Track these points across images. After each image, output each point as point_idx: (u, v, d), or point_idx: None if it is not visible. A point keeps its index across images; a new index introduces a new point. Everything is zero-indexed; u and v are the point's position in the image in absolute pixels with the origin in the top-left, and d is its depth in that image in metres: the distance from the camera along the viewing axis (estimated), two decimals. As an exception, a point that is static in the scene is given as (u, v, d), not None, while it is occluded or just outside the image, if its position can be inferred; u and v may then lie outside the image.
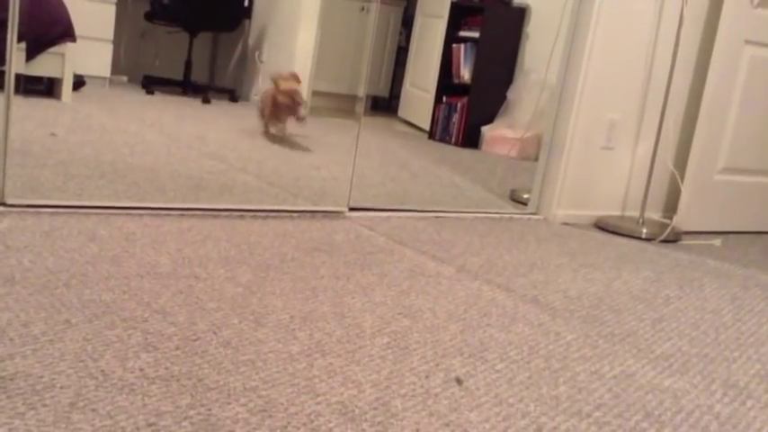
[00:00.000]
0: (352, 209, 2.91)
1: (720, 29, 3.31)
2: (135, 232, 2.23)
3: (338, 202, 2.92)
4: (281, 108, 4.09)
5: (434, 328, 1.78)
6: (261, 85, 5.72)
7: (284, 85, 4.04)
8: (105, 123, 4.00)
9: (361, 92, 5.43)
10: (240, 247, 2.24)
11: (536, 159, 4.18)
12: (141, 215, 2.43)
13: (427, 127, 5.54)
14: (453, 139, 5.32)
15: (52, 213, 2.28)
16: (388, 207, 3.04)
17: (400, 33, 6.50)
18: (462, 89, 5.35)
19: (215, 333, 1.56)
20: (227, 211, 2.62)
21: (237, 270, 2.01)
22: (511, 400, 1.44)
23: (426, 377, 1.49)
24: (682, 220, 3.37)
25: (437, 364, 1.56)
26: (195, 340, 1.51)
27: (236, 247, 2.23)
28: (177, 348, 1.46)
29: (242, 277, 1.96)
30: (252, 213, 2.66)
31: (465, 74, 5.36)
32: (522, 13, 5.34)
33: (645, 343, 1.89)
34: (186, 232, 2.31)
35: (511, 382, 1.53)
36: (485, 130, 5.25)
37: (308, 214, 2.78)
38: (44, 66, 4.25)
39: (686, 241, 3.24)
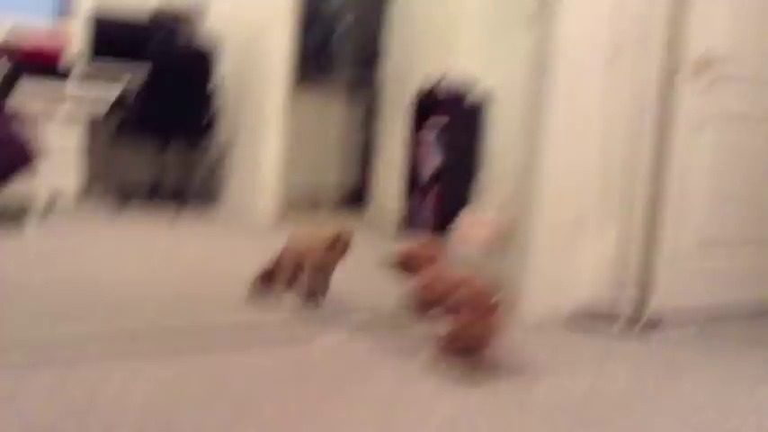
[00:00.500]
0: (318, 333, 2.85)
1: (678, 109, 3.32)
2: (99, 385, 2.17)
3: (308, 327, 2.87)
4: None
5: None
6: (232, 189, 5.72)
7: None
8: (76, 247, 3.93)
9: (332, 186, 5.44)
10: (209, 385, 2.18)
11: (508, 246, 4.18)
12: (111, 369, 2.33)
13: (399, 218, 5.55)
14: (426, 229, 5.32)
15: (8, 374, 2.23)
16: (358, 328, 2.98)
17: (369, 124, 6.56)
18: (432, 179, 5.38)
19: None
20: (193, 348, 2.55)
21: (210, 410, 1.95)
22: None
23: None
24: (656, 306, 3.35)
25: None
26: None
27: (207, 384, 2.17)
28: None
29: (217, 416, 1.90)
30: (218, 347, 2.60)
31: (434, 164, 5.40)
32: (484, 103, 5.42)
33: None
34: (160, 380, 2.25)
35: None
36: (457, 219, 5.27)
37: (277, 342, 2.71)
38: (8, 195, 4.20)
39: (664, 328, 3.22)
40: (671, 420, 2.13)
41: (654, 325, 3.21)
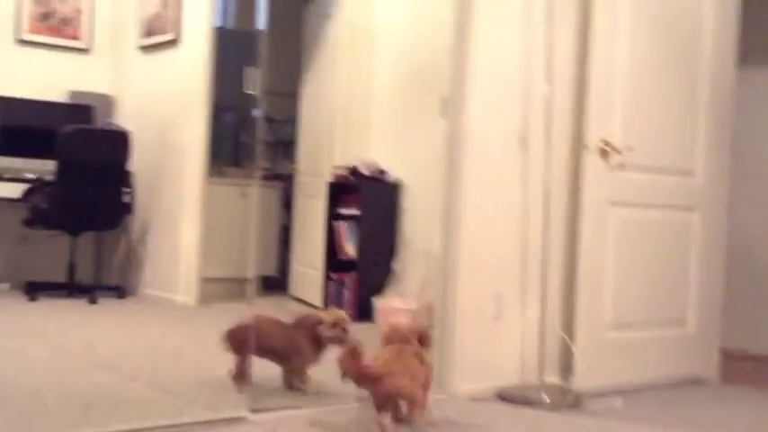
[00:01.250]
0: (254, 410, 2.80)
1: (584, 194, 3.45)
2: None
3: (239, 405, 2.81)
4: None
5: None
6: (149, 277, 5.59)
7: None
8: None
9: (251, 274, 5.38)
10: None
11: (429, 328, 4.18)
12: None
13: (320, 303, 5.51)
14: (347, 315, 5.29)
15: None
16: (293, 404, 2.94)
17: (282, 213, 6.56)
18: (350, 265, 5.39)
19: None
20: (119, 433, 2.47)
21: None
22: None
23: None
24: (579, 382, 3.40)
25: None
26: None
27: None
28: None
29: None
30: (147, 431, 2.51)
31: (350, 249, 5.43)
32: (396, 188, 5.51)
33: None
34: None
35: None
36: (376, 302, 5.27)
37: (208, 424, 2.65)
38: None
39: (588, 404, 3.25)
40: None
41: (578, 401, 3.25)
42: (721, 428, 2.99)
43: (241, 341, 3.05)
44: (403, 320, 2.85)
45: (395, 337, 2.75)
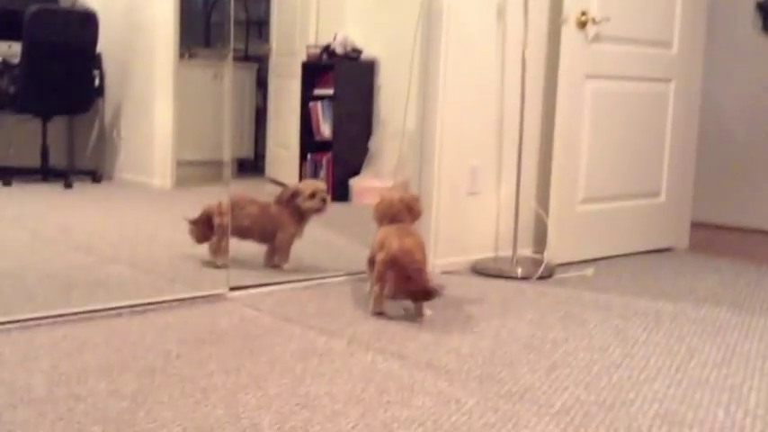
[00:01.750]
0: (233, 288, 2.84)
1: (561, 67, 3.44)
2: (2, 352, 2.09)
3: (218, 284, 2.84)
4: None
5: (334, 416, 1.74)
6: (123, 160, 5.55)
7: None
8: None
9: (226, 156, 5.34)
10: (121, 351, 2.13)
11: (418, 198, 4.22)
12: (9, 330, 2.28)
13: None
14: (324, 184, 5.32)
15: None
16: (270, 281, 2.98)
17: (257, 94, 6.47)
18: (325, 145, 5.37)
19: (105, 464, 1.47)
20: (102, 311, 2.50)
21: (120, 380, 1.91)
22: (423, 489, 1.42)
23: (335, 477, 1.45)
24: (552, 254, 3.47)
25: (344, 460, 1.52)
26: (85, 476, 1.42)
27: (117, 352, 2.12)
28: (66, 491, 1.36)
29: (126, 388, 1.86)
30: (129, 309, 2.55)
31: (325, 130, 5.39)
32: (371, 67, 5.43)
33: (543, 397, 1.91)
34: (61, 342, 2.18)
35: (420, 466, 1.51)
36: (352, 182, 5.28)
37: (188, 301, 2.69)
38: None
39: (560, 275, 3.33)
40: (577, 362, 2.22)
41: (551, 272, 3.32)
42: (686, 294, 3.08)
43: (207, 228, 3.09)
44: (393, 192, 2.82)
45: (387, 211, 2.76)
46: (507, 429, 1.70)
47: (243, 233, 3.12)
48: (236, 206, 3.09)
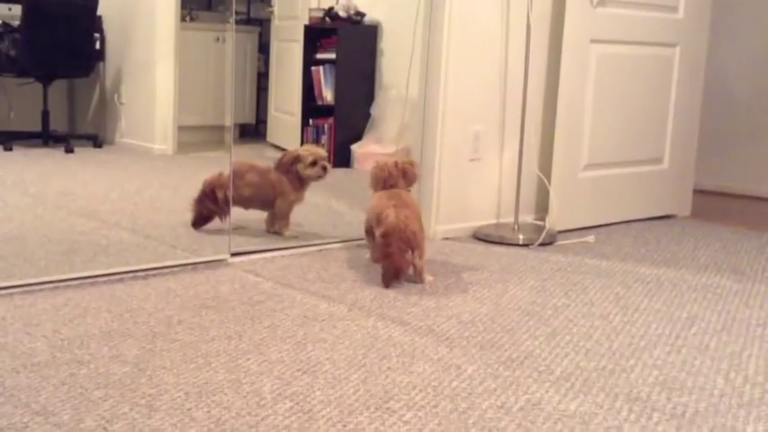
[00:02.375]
0: (234, 254, 2.84)
1: (566, 32, 3.41)
2: (5, 317, 2.09)
3: (219, 249, 2.85)
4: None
5: (336, 382, 1.75)
6: (124, 125, 5.53)
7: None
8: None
9: (228, 121, 5.33)
10: (123, 316, 2.14)
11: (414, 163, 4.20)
12: (11, 294, 2.29)
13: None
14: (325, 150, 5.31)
15: None
16: (271, 247, 2.99)
17: (258, 59, 6.43)
18: (327, 110, 5.35)
19: (105, 429, 1.48)
20: (104, 276, 2.51)
21: (122, 345, 1.92)
22: (423, 455, 1.43)
23: (335, 442, 1.46)
24: (554, 221, 3.47)
25: (344, 426, 1.53)
26: (87, 441, 1.43)
27: (119, 318, 2.13)
28: (68, 455, 1.38)
29: (128, 353, 1.87)
30: (131, 274, 2.55)
31: (327, 95, 5.36)
32: (374, 31, 5.39)
33: (543, 363, 1.92)
34: (62, 308, 2.19)
35: (420, 432, 1.52)
36: (354, 148, 5.26)
37: (190, 267, 2.70)
38: None
39: (562, 241, 3.33)
40: (578, 329, 2.23)
41: (553, 239, 3.32)
42: (687, 261, 3.07)
43: (212, 201, 3.08)
44: (389, 158, 2.79)
45: (381, 176, 2.75)
46: (507, 395, 1.71)
47: (244, 203, 3.11)
48: (236, 175, 3.07)
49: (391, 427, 1.53)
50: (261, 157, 5.59)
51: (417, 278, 2.58)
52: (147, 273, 2.57)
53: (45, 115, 5.22)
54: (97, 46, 5.33)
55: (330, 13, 5.32)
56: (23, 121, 5.32)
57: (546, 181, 3.52)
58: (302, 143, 5.43)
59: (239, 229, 3.06)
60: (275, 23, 6.03)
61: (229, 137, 4.26)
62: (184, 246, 2.99)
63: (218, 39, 5.75)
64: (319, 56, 5.38)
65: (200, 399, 1.63)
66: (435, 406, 1.64)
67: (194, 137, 5.67)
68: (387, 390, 1.71)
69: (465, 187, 3.41)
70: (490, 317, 2.27)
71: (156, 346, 1.92)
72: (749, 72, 4.71)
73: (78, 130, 5.63)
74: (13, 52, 5.02)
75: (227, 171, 3.03)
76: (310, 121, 5.41)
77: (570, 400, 1.71)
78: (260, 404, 1.61)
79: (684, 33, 3.84)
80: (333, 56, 5.28)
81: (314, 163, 3.09)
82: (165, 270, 2.62)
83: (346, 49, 5.28)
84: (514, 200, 3.43)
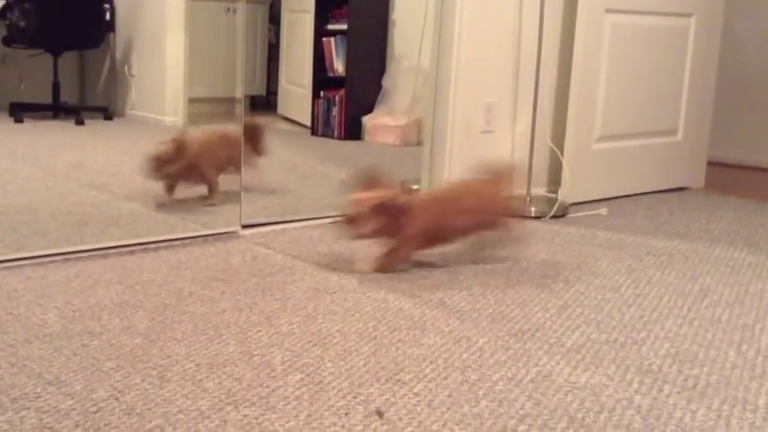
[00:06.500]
0: (245, 226, 2.84)
1: (580, 1, 3.37)
2: (17, 288, 2.10)
3: (230, 221, 2.85)
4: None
5: (346, 354, 1.75)
6: (135, 97, 5.52)
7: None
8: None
9: (239, 93, 5.30)
10: (134, 288, 2.15)
11: (419, 144, 4.18)
12: (22, 266, 2.29)
13: (308, 122, 5.48)
14: (336, 133, 5.28)
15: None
16: (282, 219, 2.99)
17: (269, 30, 6.39)
18: (338, 82, 5.32)
19: (117, 399, 1.48)
20: (115, 248, 2.51)
21: (134, 317, 1.93)
22: (435, 427, 1.43)
23: (346, 414, 1.46)
24: (566, 193, 3.45)
25: (355, 397, 1.53)
26: (96, 412, 1.43)
27: (130, 290, 2.13)
28: (77, 426, 1.38)
29: (139, 325, 1.87)
30: (142, 247, 2.56)
31: (339, 66, 5.33)
32: (386, 2, 5.34)
33: (554, 336, 1.92)
34: (74, 280, 2.20)
35: (431, 404, 1.51)
36: (365, 120, 5.24)
37: (201, 239, 2.70)
38: None
39: (574, 214, 3.31)
40: (589, 302, 2.22)
41: (565, 211, 3.30)
42: (700, 233, 3.06)
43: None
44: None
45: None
46: (518, 367, 1.71)
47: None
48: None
49: (402, 398, 1.53)
50: (271, 130, 5.58)
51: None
52: (158, 245, 2.58)
53: (56, 87, 5.22)
54: (107, 17, 5.31)
55: (342, -16, 5.28)
56: (34, 93, 5.32)
57: (559, 153, 3.50)
58: (313, 115, 5.41)
59: (250, 201, 3.06)
60: (286, -5, 6.00)
61: (240, 108, 4.24)
62: (195, 218, 2.99)
63: (228, 9, 5.71)
64: (330, 27, 5.34)
65: (212, 370, 1.63)
66: (446, 378, 1.64)
67: (205, 109, 5.66)
68: (397, 362, 1.71)
69: (476, 159, 3.38)
70: (501, 289, 2.27)
71: (168, 318, 1.92)
72: (765, 43, 4.65)
73: (89, 101, 5.63)
74: (23, 23, 5.01)
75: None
76: (321, 92, 5.39)
77: (581, 372, 1.70)
78: (271, 375, 1.61)
79: (700, 3, 3.78)
80: (344, 27, 5.24)
81: None
82: (176, 242, 2.62)
83: (358, 19, 5.24)
84: (527, 172, 3.41)
